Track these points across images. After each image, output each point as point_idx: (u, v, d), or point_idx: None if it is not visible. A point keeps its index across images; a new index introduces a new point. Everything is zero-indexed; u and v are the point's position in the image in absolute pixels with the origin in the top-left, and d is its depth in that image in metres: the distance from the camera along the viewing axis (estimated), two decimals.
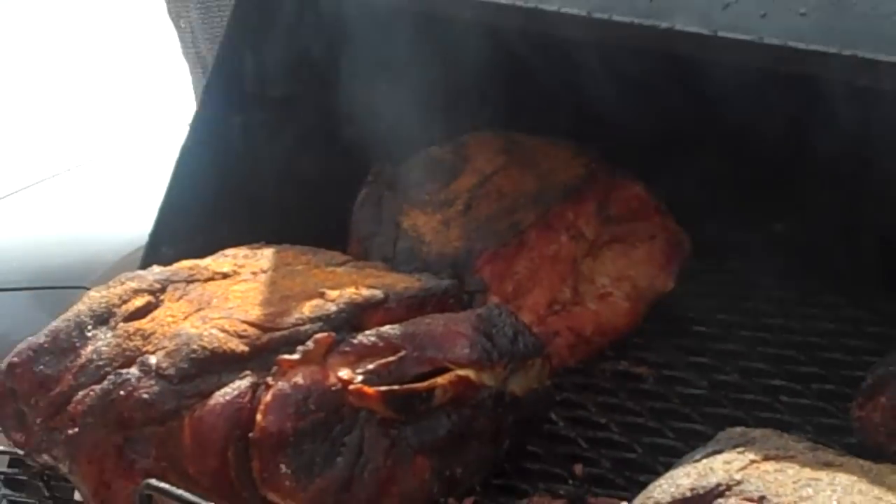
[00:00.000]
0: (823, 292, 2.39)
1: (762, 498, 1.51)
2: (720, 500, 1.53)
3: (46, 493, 2.04)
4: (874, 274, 2.33)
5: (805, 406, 2.08)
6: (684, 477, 1.58)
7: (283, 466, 1.81)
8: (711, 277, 2.47)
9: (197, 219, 2.39)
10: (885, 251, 2.27)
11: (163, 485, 1.71)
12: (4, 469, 2.14)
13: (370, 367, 1.85)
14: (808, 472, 1.54)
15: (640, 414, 2.10)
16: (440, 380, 1.87)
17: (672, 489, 1.57)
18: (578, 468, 1.97)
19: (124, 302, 1.97)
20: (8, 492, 2.12)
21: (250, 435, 1.82)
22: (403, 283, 1.99)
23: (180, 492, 1.71)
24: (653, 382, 2.19)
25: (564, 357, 2.22)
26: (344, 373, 1.85)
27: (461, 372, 1.88)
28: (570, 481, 1.94)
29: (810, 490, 1.51)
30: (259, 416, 1.82)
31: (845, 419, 1.92)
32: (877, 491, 1.50)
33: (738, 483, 1.54)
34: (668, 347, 2.27)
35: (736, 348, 2.27)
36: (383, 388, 1.84)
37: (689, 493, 1.55)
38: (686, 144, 2.36)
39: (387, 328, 1.89)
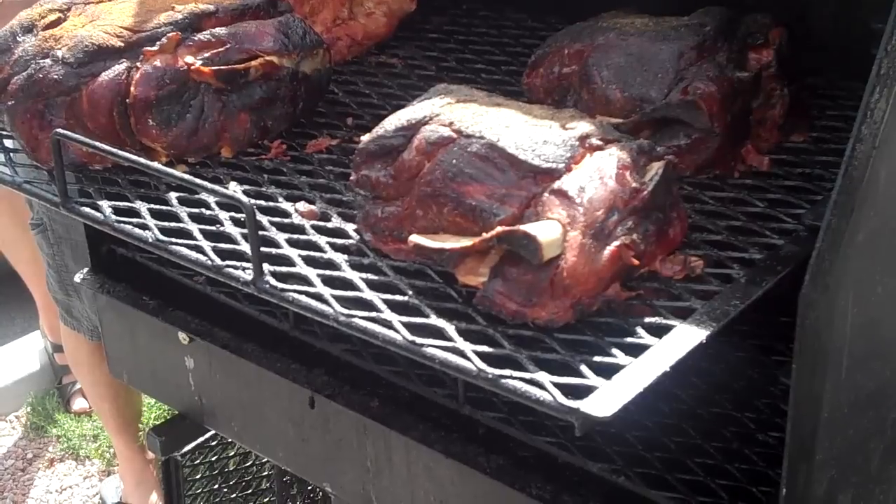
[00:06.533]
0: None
1: (451, 123, 1.52)
2: (424, 126, 1.54)
3: None
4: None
5: (496, 80, 2.07)
6: (404, 113, 1.58)
7: (150, 121, 1.77)
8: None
9: None
10: None
11: (68, 133, 1.66)
12: None
13: (206, 55, 1.80)
14: (484, 108, 1.55)
15: (390, 87, 2.05)
16: (253, 63, 1.82)
17: (396, 122, 1.58)
18: (349, 120, 1.94)
19: (42, 17, 1.86)
20: None
21: (127, 100, 1.76)
22: (230, 1, 1.91)
23: (78, 136, 1.67)
24: (401, 68, 2.15)
25: (344, 54, 2.16)
26: (189, 59, 1.78)
27: (268, 57, 1.83)
28: (344, 129, 1.92)
29: (483, 117, 1.52)
30: (132, 88, 1.76)
31: (520, 87, 1.92)
32: (526, 117, 1.52)
33: (438, 115, 1.55)
34: (412, 47, 2.23)
35: (456, 47, 2.23)
36: (215, 68, 1.79)
37: (406, 123, 1.56)
38: None
39: (217, 29, 1.82)
